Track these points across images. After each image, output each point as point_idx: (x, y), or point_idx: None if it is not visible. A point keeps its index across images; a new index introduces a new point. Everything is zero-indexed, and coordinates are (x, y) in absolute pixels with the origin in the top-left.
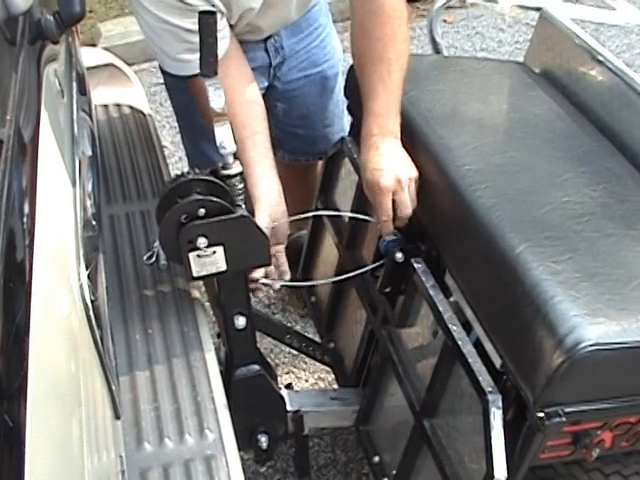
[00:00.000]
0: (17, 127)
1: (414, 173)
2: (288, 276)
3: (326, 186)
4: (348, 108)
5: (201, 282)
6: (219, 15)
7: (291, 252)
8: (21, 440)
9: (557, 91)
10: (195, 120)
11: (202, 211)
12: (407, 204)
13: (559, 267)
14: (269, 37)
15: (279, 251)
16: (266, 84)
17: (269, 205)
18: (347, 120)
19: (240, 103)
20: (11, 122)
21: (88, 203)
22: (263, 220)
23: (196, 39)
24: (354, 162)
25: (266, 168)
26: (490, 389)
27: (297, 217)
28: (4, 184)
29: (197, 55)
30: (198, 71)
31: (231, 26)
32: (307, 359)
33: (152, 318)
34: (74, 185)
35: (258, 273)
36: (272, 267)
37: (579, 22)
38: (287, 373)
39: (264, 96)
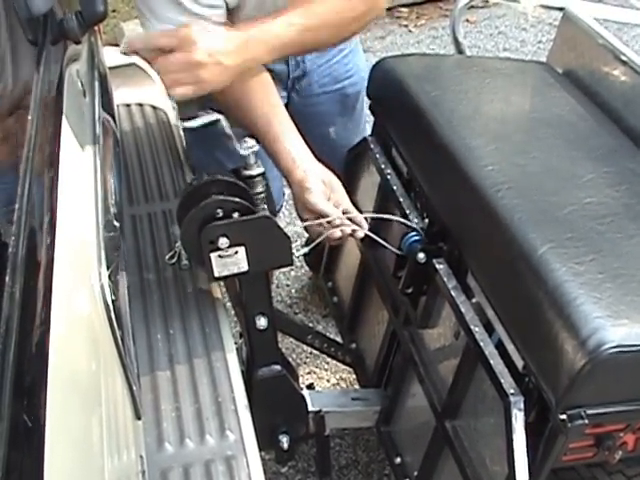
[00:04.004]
0: (39, 127)
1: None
2: (366, 225)
3: (347, 187)
4: (370, 108)
5: (222, 282)
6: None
7: (314, 253)
8: (41, 440)
9: (580, 91)
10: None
11: (224, 211)
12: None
13: (582, 268)
14: None
15: (346, 210)
16: (284, 94)
17: (315, 174)
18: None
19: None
20: (33, 122)
21: (110, 203)
22: (317, 187)
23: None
24: (376, 162)
25: (292, 138)
26: (512, 391)
27: (321, 220)
28: (26, 184)
29: (189, 17)
30: None
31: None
32: (329, 359)
33: (173, 318)
34: (96, 185)
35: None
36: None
37: (602, 22)
38: (309, 373)
39: None
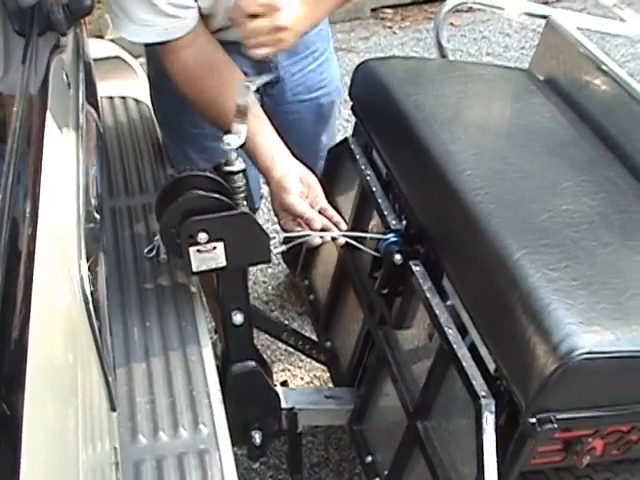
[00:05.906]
0: (23, 119)
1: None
2: (344, 225)
3: (327, 187)
4: (352, 109)
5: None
6: None
7: (291, 252)
8: (18, 429)
9: (560, 99)
10: (184, 128)
11: (203, 206)
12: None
13: (556, 274)
14: None
15: (324, 208)
16: (257, 96)
17: (294, 172)
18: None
19: (226, 70)
20: (17, 114)
21: (91, 195)
22: (295, 187)
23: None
24: (356, 163)
25: (270, 135)
26: (483, 393)
27: (301, 228)
28: (9, 175)
29: (163, 18)
30: (163, 38)
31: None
32: (303, 357)
33: (150, 311)
34: (78, 177)
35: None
36: (328, 222)
37: (584, 31)
38: (283, 370)
39: None
